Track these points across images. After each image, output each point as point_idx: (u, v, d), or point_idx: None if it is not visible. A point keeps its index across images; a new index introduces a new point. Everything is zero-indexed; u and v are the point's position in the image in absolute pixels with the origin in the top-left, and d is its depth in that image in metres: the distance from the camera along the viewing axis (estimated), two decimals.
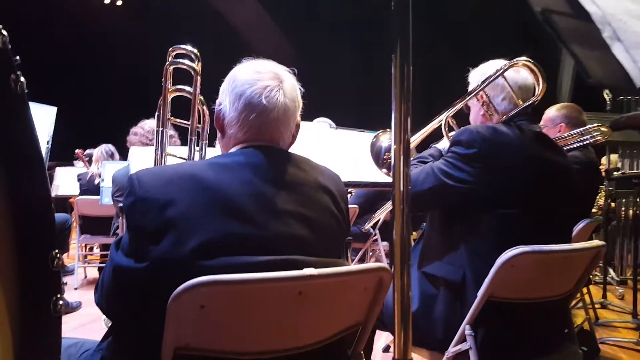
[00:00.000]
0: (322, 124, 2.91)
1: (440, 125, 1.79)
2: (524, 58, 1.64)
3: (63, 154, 6.14)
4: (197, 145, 1.55)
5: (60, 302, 0.61)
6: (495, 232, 1.49)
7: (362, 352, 1.19)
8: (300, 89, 1.18)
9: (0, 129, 0.62)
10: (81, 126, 7.52)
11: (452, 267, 1.53)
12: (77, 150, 5.68)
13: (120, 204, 2.64)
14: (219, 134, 1.19)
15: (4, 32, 0.62)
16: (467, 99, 1.73)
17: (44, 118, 2.31)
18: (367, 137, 2.82)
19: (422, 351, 1.62)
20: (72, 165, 6.04)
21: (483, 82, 1.67)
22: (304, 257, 1.01)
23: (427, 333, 1.53)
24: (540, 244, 1.34)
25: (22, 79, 0.63)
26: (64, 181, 5.34)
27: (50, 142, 2.30)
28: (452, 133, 1.72)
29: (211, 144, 1.61)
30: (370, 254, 4.23)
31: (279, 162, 1.10)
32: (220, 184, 1.00)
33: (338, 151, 2.48)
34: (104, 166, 3.99)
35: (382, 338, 2.75)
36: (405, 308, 0.60)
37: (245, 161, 1.06)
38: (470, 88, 1.76)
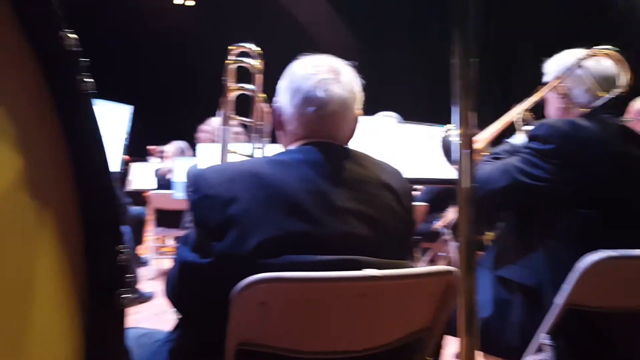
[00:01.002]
0: (388, 118, 2.86)
1: (516, 119, 1.71)
2: (606, 46, 1.52)
3: (138, 150, 6.46)
4: (259, 142, 1.56)
5: (125, 295, 0.63)
6: (575, 234, 1.40)
7: (429, 358, 1.15)
8: (360, 81, 1.15)
9: (69, 127, 0.64)
10: (155, 124, 7.85)
11: (528, 270, 1.45)
12: (149, 147, 5.94)
13: None
14: (278, 132, 1.19)
15: (74, 36, 0.64)
16: (545, 91, 1.63)
17: (120, 116, 2.42)
18: (437, 131, 2.74)
19: None
20: (146, 161, 6.33)
21: (561, 72, 1.57)
22: (365, 257, 0.98)
23: (500, 340, 1.45)
24: (625, 249, 1.23)
25: (90, 79, 0.65)
26: (139, 176, 5.60)
27: (127, 140, 2.41)
28: (528, 128, 1.63)
29: (273, 141, 1.61)
30: (441, 254, 4.12)
31: (338, 158, 1.08)
32: (279, 181, 1.00)
33: (405, 146, 2.42)
34: (176, 162, 4.15)
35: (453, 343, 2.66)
36: (472, 312, 0.56)
37: (304, 158, 1.05)
38: (546, 79, 1.66)
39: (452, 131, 1.78)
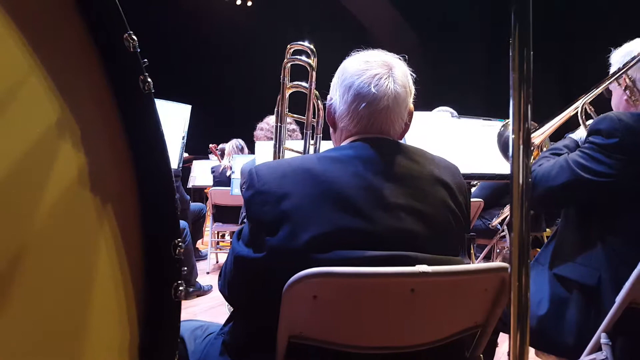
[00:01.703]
0: (444, 113, 2.81)
1: (577, 112, 1.63)
2: None
3: (199, 148, 6.68)
4: (312, 139, 1.58)
5: (181, 288, 0.65)
6: (637, 232, 1.34)
7: (481, 355, 1.13)
8: (412, 75, 1.14)
9: (131, 126, 0.68)
10: (216, 122, 8.08)
11: (587, 269, 1.40)
12: (210, 145, 6.13)
13: None
14: (331, 130, 1.20)
15: (134, 37, 0.68)
16: (608, 82, 1.55)
17: (179, 115, 2.51)
18: (493, 125, 2.67)
19: (550, 358, 1.50)
20: (208, 158, 6.53)
21: (626, 63, 1.49)
22: (416, 253, 0.98)
23: (556, 338, 1.41)
24: None
25: (149, 79, 0.68)
26: (200, 173, 5.80)
27: (185, 138, 2.49)
28: (590, 121, 1.56)
29: (325, 137, 1.63)
30: (498, 251, 4.01)
31: (390, 154, 1.07)
32: (331, 177, 1.01)
33: (461, 141, 2.37)
34: (235, 159, 4.26)
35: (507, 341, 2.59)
36: (523, 310, 0.55)
37: (355, 154, 1.05)
38: (612, 70, 1.57)
39: (509, 125, 1.73)
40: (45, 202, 0.56)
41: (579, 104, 1.61)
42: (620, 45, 1.58)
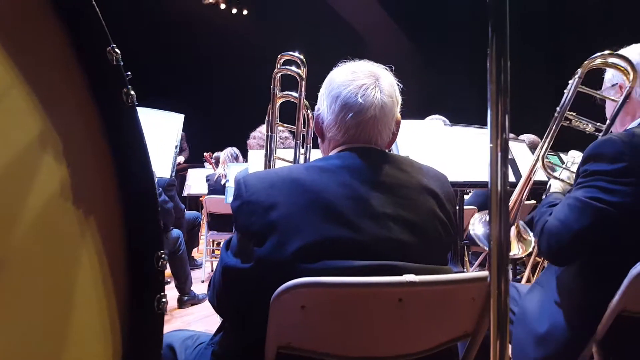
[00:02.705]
0: (436, 121, 2.82)
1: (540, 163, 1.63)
2: None
3: (195, 157, 6.68)
4: (303, 148, 1.58)
5: (164, 300, 0.65)
6: None
7: None
8: (399, 85, 1.15)
9: (114, 138, 0.68)
10: (211, 131, 8.08)
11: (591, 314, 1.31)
12: (205, 154, 6.13)
13: None
14: (319, 140, 1.20)
15: (117, 50, 0.68)
16: (555, 127, 1.57)
17: (172, 124, 2.51)
18: (486, 133, 2.68)
19: None
20: (203, 167, 6.53)
21: (564, 102, 1.53)
22: (404, 262, 0.98)
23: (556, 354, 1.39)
24: None
25: (132, 92, 0.68)
26: (195, 181, 5.80)
27: (178, 147, 2.49)
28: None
29: (316, 146, 1.64)
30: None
31: (378, 163, 1.08)
32: (319, 186, 1.01)
33: (454, 149, 2.38)
34: (229, 168, 4.26)
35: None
36: (502, 317, 0.55)
37: (343, 164, 1.05)
38: (607, 76, 1.57)
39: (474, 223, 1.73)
40: (25, 216, 0.56)
41: (538, 160, 1.60)
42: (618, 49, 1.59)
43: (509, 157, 2.50)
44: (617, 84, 1.51)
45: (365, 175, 1.04)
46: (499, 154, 0.57)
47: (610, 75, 1.55)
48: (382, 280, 0.91)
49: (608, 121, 1.57)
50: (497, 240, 0.56)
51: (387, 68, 1.15)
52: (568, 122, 1.67)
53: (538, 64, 7.17)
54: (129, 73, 0.70)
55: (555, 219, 1.34)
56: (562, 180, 1.61)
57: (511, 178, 2.48)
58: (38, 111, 0.60)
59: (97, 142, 0.66)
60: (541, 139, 1.70)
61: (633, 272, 1.18)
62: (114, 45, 0.68)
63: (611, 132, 1.57)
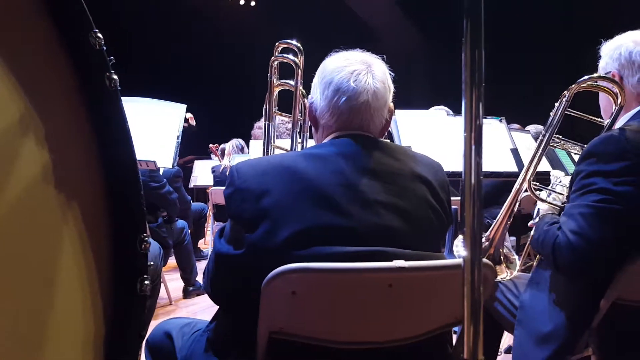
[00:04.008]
0: (439, 111, 2.81)
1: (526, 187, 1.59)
2: None
3: (201, 148, 6.70)
4: (300, 137, 1.58)
5: (146, 282, 0.66)
6: None
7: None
8: (391, 74, 1.14)
9: (97, 123, 0.68)
10: (216, 123, 8.09)
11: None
12: (210, 145, 6.15)
13: None
14: (313, 129, 1.21)
15: (100, 35, 0.68)
16: (538, 157, 1.55)
17: (174, 115, 2.51)
18: (490, 124, 2.67)
19: None
20: (210, 158, 6.56)
21: (550, 124, 1.49)
22: (394, 249, 0.98)
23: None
24: None
25: (115, 76, 0.69)
26: (202, 173, 5.82)
27: (180, 137, 2.50)
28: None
29: (312, 136, 1.63)
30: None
31: (371, 151, 1.07)
32: (311, 174, 1.01)
33: (456, 139, 2.38)
34: (235, 159, 4.27)
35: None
36: (476, 304, 0.55)
37: (336, 151, 1.05)
38: (601, 64, 1.55)
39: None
40: (6, 200, 0.56)
41: (524, 183, 1.57)
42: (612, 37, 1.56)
43: (512, 147, 2.48)
44: (610, 72, 1.49)
45: (358, 162, 1.04)
46: (473, 144, 0.56)
47: (604, 64, 1.53)
48: (372, 266, 0.91)
49: (608, 120, 1.53)
50: (470, 229, 0.55)
51: (379, 57, 1.15)
52: (555, 145, 1.65)
53: (548, 53, 7.10)
54: (112, 58, 0.70)
55: (569, 233, 1.26)
56: (550, 203, 1.56)
57: (513, 168, 2.46)
58: (19, 96, 0.61)
59: (80, 127, 0.67)
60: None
61: (629, 261, 1.18)
62: (97, 30, 0.68)
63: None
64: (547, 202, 1.54)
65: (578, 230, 1.24)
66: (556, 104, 1.60)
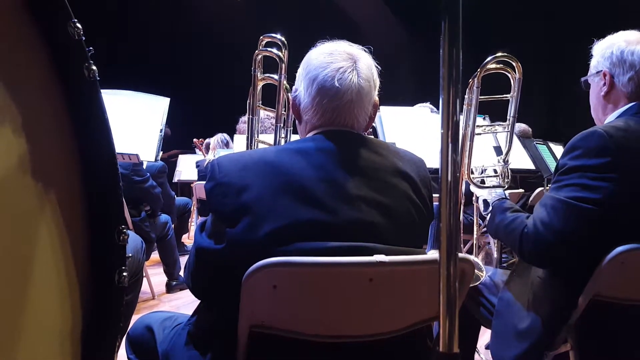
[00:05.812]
0: (423, 108, 2.83)
1: None
2: None
3: (186, 143, 6.65)
4: (283, 132, 1.58)
5: (124, 273, 0.65)
6: None
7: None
8: (377, 67, 1.14)
9: (76, 112, 0.68)
10: (201, 117, 8.03)
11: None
12: (195, 140, 6.11)
13: None
14: (297, 122, 1.20)
15: (79, 25, 0.68)
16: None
17: (157, 108, 2.48)
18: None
19: None
20: (194, 153, 6.51)
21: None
22: (375, 244, 0.98)
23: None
24: None
25: (94, 67, 0.68)
26: (186, 168, 5.79)
27: (162, 131, 2.47)
28: None
29: (296, 131, 1.63)
30: (479, 246, 4.02)
31: (353, 146, 1.08)
32: (292, 169, 1.01)
33: (439, 136, 2.39)
34: (219, 153, 4.25)
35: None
36: (452, 298, 0.56)
37: (318, 147, 1.05)
38: (593, 63, 1.56)
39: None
40: None
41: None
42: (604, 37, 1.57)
43: (495, 145, 2.51)
44: (601, 71, 1.50)
45: (340, 157, 1.04)
46: (450, 141, 0.57)
47: (595, 62, 1.54)
48: (353, 260, 0.92)
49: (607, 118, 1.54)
50: (446, 224, 0.56)
51: (366, 50, 1.14)
52: (479, 134, 1.79)
53: (528, 53, 7.17)
54: (91, 48, 0.70)
55: (538, 223, 1.28)
56: (489, 187, 1.63)
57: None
58: None
59: (58, 117, 0.66)
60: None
61: (607, 257, 1.19)
62: (75, 20, 0.67)
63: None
64: (485, 187, 1.60)
65: (547, 221, 1.27)
66: (466, 96, 1.68)
